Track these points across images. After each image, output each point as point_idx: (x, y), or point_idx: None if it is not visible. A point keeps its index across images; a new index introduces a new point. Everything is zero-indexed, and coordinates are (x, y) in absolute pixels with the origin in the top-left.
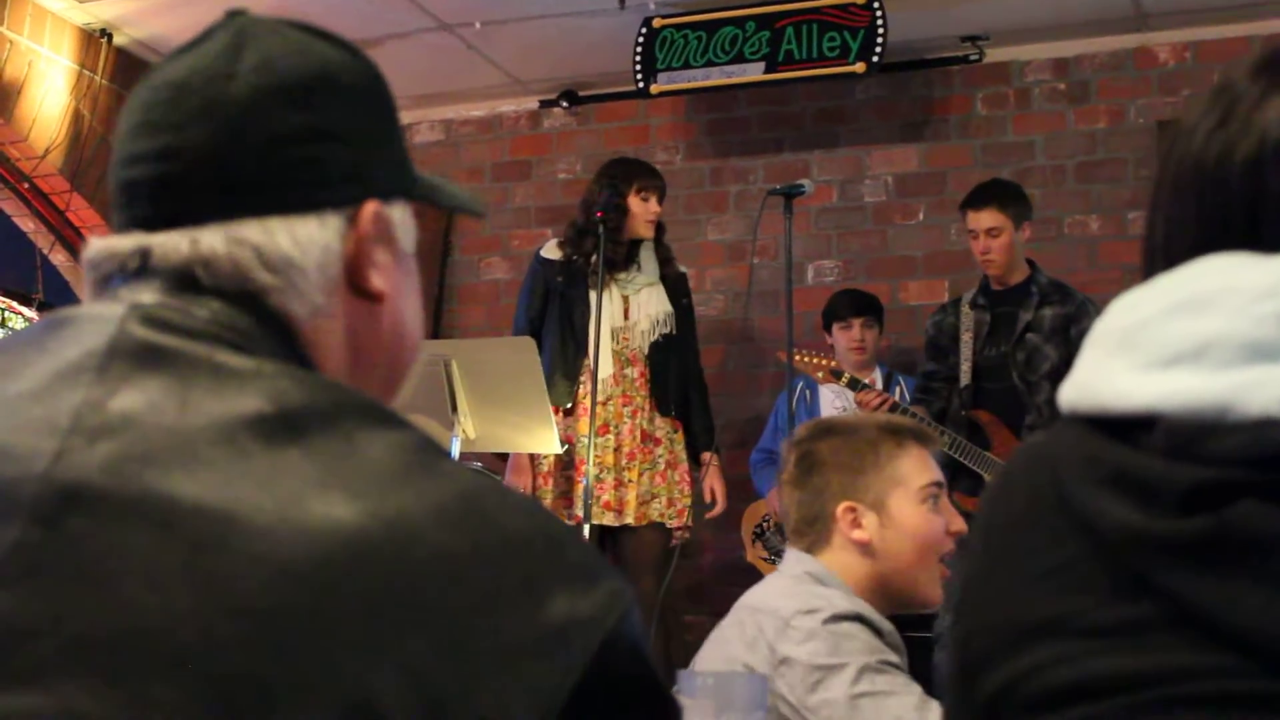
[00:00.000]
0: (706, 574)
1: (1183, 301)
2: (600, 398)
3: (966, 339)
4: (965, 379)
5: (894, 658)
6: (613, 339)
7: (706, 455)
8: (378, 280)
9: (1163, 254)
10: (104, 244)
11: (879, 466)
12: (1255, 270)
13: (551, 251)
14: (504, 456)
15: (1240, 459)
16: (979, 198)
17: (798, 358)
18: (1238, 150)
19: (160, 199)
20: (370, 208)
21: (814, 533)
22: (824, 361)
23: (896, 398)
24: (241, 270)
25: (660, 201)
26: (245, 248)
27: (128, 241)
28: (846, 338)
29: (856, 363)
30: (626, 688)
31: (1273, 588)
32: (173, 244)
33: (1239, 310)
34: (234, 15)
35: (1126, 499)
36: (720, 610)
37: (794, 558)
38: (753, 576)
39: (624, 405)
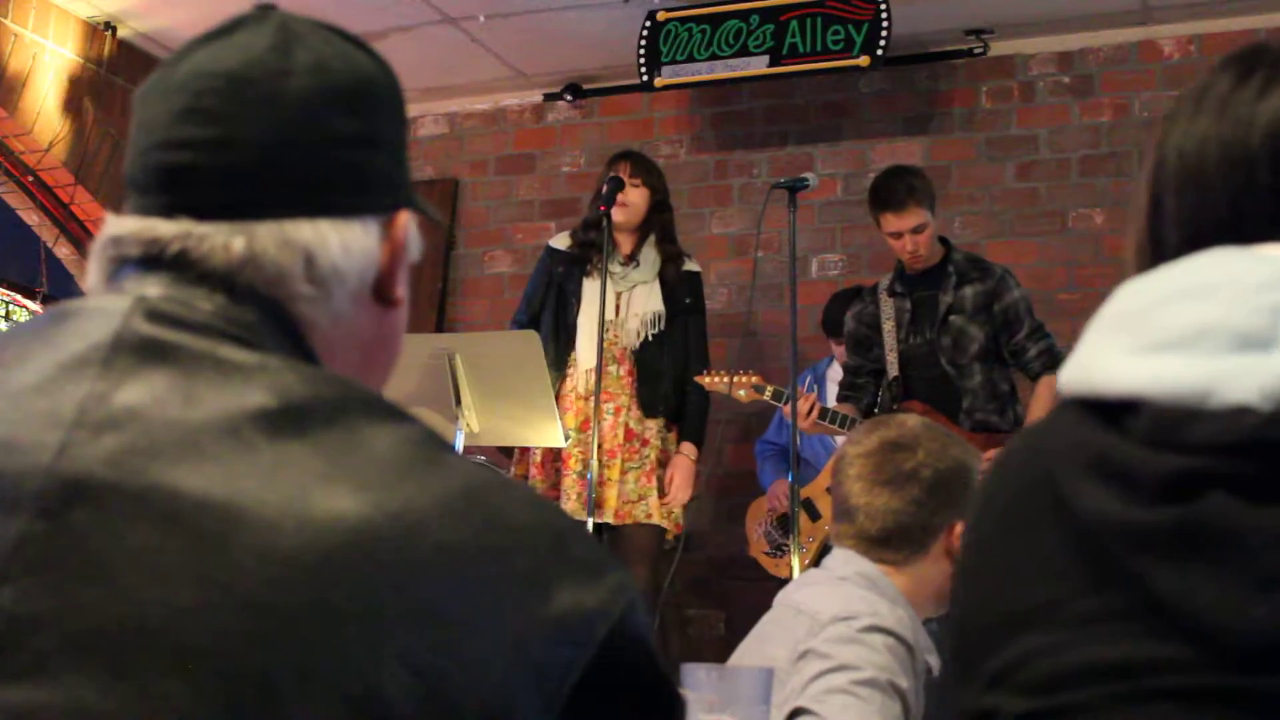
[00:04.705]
0: (710, 568)
1: (1185, 289)
2: (582, 391)
3: (889, 328)
4: (892, 370)
5: (905, 682)
6: (603, 333)
7: (686, 446)
8: (400, 289)
9: (1176, 239)
10: (139, 224)
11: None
12: (1260, 264)
13: (559, 242)
14: (508, 452)
15: (1212, 447)
16: (897, 199)
17: (711, 379)
18: (1255, 128)
19: (214, 188)
20: (404, 217)
21: (910, 544)
22: (742, 379)
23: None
24: (284, 276)
25: (633, 175)
26: (296, 252)
27: (171, 227)
28: None
29: None
30: (631, 680)
31: (1231, 581)
32: (223, 237)
33: (1237, 300)
34: (266, 8)
35: (1107, 486)
36: (723, 605)
37: (844, 558)
38: (756, 571)
39: (605, 402)
